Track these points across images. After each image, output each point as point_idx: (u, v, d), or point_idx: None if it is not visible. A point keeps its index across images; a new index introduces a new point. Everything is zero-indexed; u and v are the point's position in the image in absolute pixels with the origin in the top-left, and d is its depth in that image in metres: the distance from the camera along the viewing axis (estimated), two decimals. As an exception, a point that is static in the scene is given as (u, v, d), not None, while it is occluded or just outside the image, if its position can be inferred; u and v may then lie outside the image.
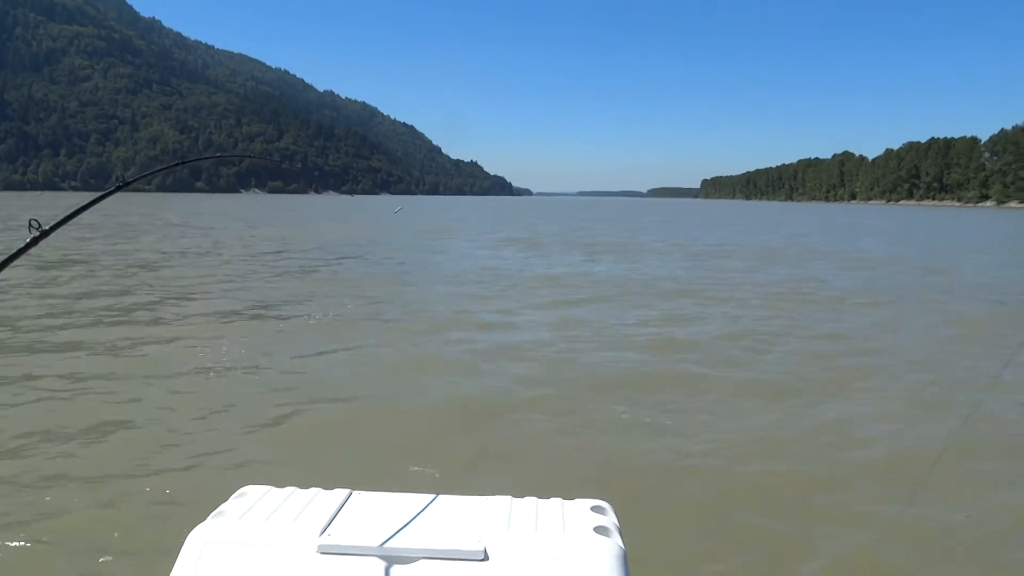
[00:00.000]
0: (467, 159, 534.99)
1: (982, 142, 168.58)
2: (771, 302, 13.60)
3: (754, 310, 12.72)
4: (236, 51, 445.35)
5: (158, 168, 2.71)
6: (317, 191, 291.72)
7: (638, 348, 9.38)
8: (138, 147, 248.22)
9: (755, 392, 7.30)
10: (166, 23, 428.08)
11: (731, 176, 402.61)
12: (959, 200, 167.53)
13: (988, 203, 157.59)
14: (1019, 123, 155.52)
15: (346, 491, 1.81)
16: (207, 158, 3.49)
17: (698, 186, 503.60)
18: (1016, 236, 42.47)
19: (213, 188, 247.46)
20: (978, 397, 6.81)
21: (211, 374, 7.60)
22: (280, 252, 23.26)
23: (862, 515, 4.52)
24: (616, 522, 1.66)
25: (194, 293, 13.55)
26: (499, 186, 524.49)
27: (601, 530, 1.56)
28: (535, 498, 1.76)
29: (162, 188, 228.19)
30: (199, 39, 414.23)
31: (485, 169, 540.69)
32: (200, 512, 1.70)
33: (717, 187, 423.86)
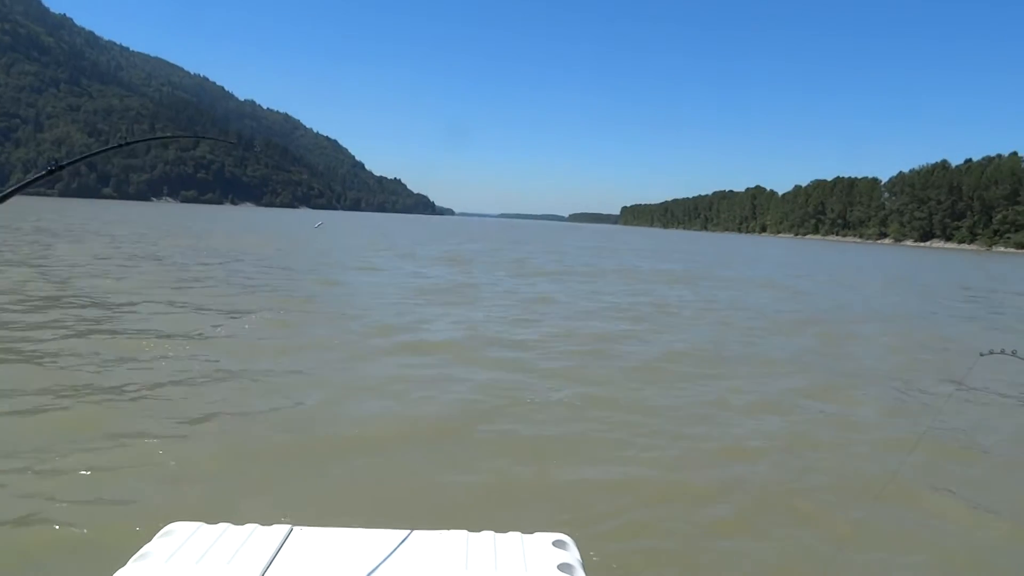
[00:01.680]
0: (391, 176, 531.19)
1: (882, 183, 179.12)
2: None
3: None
4: (153, 54, 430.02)
5: (99, 151, 2.43)
6: (234, 202, 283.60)
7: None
8: (41, 148, 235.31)
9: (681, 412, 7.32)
10: (78, 21, 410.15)
11: (650, 204, 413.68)
12: (860, 236, 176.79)
13: (887, 240, 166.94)
14: (915, 167, 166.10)
15: (286, 527, 1.66)
16: (152, 139, 3.13)
17: (618, 212, 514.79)
18: (872, 266, 45.17)
19: (122, 195, 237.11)
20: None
21: (128, 397, 7.08)
22: (212, 264, 22.33)
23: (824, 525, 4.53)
24: (579, 558, 1.57)
25: (113, 309, 12.77)
26: (422, 205, 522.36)
27: (565, 568, 1.47)
28: (492, 532, 1.65)
29: (65, 193, 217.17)
30: (113, 39, 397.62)
31: (409, 187, 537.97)
32: (121, 555, 1.56)
33: (636, 215, 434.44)
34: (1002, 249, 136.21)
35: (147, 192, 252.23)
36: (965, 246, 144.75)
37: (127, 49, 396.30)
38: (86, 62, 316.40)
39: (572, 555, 1.56)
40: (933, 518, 5.38)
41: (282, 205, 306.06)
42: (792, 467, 6.33)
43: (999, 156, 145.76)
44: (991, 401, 8.89)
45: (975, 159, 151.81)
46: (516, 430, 6.95)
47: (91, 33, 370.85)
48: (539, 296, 19.07)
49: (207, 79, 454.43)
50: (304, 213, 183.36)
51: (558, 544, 1.60)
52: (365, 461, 5.92)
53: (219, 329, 11.47)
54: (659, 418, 7.56)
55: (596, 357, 10.78)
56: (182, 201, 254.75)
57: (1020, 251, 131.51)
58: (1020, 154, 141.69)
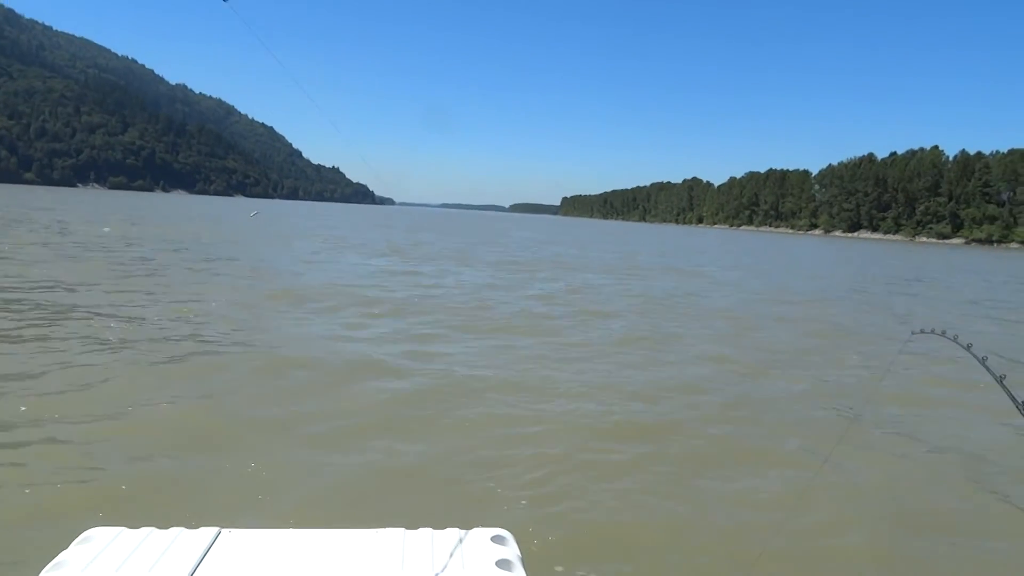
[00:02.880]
0: (328, 164, 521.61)
1: (813, 175, 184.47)
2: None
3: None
4: (78, 35, 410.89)
5: None
6: (165, 189, 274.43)
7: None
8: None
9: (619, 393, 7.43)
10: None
11: (589, 195, 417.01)
12: (792, 227, 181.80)
13: (817, 231, 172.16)
14: (843, 160, 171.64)
15: (214, 529, 1.60)
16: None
17: (558, 203, 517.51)
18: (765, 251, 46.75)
19: (45, 180, 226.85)
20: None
21: (40, 390, 6.77)
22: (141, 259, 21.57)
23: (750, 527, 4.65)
24: (518, 553, 1.55)
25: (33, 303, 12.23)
26: (361, 194, 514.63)
27: (503, 564, 1.46)
28: (430, 529, 1.62)
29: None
30: (35, 18, 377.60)
31: (347, 176, 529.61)
32: (34, 564, 1.48)
33: (576, 205, 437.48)
34: (924, 239, 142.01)
35: (72, 178, 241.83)
36: (890, 236, 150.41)
37: (50, 28, 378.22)
38: (5, 41, 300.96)
39: (511, 550, 1.54)
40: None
41: (216, 193, 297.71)
42: (728, 438, 6.49)
43: (921, 149, 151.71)
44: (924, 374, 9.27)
45: (900, 152, 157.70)
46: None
47: (11, 11, 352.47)
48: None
49: (136, 62, 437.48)
50: (239, 201, 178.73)
51: (496, 539, 1.58)
52: (302, 455, 5.78)
53: (205, 320, 11.12)
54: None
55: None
56: (110, 188, 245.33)
57: (941, 241, 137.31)
58: (940, 148, 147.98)
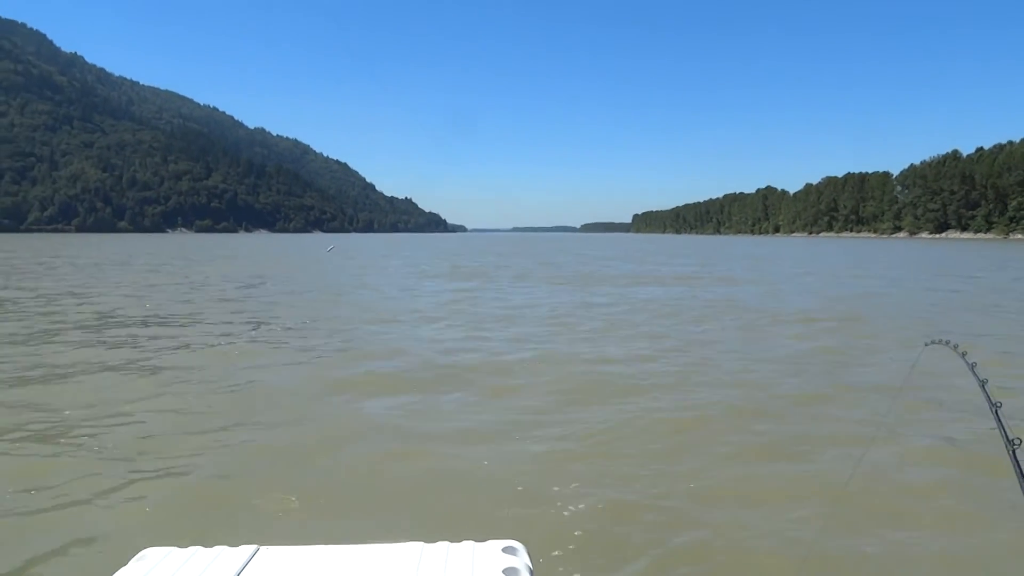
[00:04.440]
0: (401, 196, 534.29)
1: (894, 176, 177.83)
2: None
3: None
4: (163, 87, 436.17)
5: None
6: (248, 230, 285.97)
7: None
8: (57, 186, 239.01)
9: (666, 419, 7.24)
10: (89, 59, 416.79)
11: (661, 211, 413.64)
12: (875, 231, 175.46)
13: (901, 234, 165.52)
14: (926, 159, 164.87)
15: (252, 547, 1.74)
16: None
17: (629, 220, 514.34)
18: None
19: (137, 228, 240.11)
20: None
21: (92, 428, 7.11)
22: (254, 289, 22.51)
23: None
24: (528, 563, 1.64)
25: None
26: (434, 223, 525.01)
27: (510, 572, 1.54)
28: (447, 542, 1.72)
29: (82, 228, 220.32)
30: (123, 75, 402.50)
31: (420, 206, 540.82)
32: None
33: (648, 221, 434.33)
34: (1020, 236, 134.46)
35: (162, 224, 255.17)
36: (982, 235, 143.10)
37: (137, 83, 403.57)
38: (98, 98, 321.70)
39: (521, 560, 1.62)
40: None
41: (295, 230, 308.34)
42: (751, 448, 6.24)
43: (1010, 143, 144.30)
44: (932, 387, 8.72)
45: (986, 147, 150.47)
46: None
47: (102, 70, 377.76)
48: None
49: (217, 109, 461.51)
50: (317, 237, 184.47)
51: (508, 550, 1.66)
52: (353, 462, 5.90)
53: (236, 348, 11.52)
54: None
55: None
56: (197, 231, 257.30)
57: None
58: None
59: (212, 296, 20.97)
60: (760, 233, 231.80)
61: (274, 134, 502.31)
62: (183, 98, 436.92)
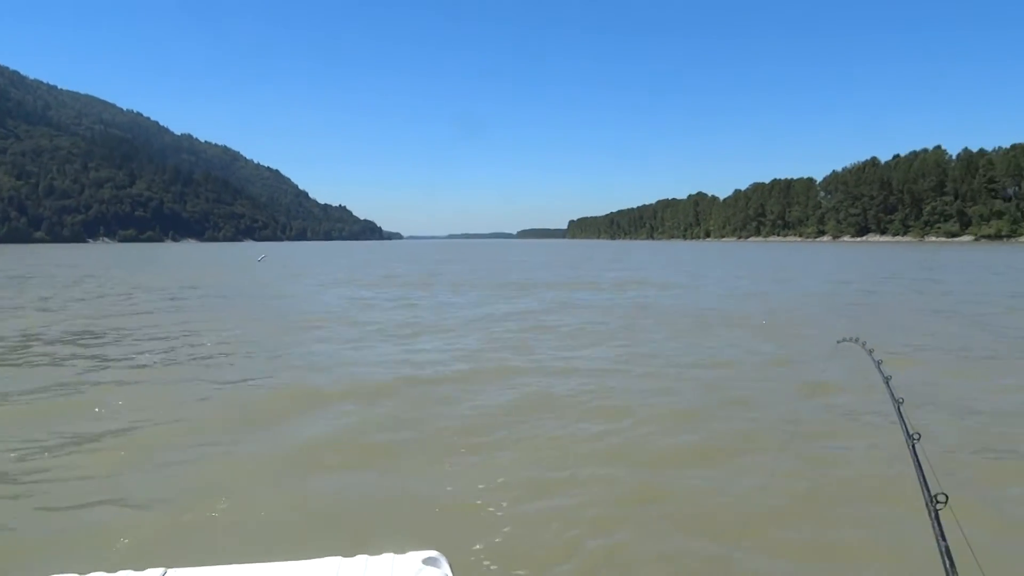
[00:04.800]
0: (335, 203, 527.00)
1: (817, 182, 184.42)
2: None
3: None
4: (82, 92, 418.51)
5: None
6: (175, 239, 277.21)
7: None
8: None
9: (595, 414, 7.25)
10: (1, 60, 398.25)
11: (596, 217, 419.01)
12: (800, 236, 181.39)
13: (825, 238, 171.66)
14: (847, 165, 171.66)
15: (159, 570, 1.67)
16: None
17: (565, 227, 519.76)
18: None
19: (55, 238, 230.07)
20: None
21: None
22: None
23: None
24: (449, 573, 1.62)
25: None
26: (369, 230, 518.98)
27: None
28: (365, 556, 1.68)
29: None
30: (39, 79, 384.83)
31: (354, 213, 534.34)
32: None
33: (583, 227, 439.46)
34: (933, 239, 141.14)
35: (83, 234, 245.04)
36: (899, 238, 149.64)
37: (55, 88, 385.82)
38: (11, 103, 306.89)
39: (442, 571, 1.59)
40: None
41: (225, 239, 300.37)
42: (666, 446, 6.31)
43: (924, 150, 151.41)
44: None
45: (902, 154, 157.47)
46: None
47: (15, 73, 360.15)
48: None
49: (141, 114, 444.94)
50: (248, 246, 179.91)
51: (429, 561, 1.62)
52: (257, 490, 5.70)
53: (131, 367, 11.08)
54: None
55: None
56: (120, 241, 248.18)
57: (951, 240, 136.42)
58: (943, 147, 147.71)
59: (122, 310, 20.21)
60: (692, 238, 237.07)
61: (202, 140, 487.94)
62: (104, 103, 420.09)
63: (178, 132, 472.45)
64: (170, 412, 8.12)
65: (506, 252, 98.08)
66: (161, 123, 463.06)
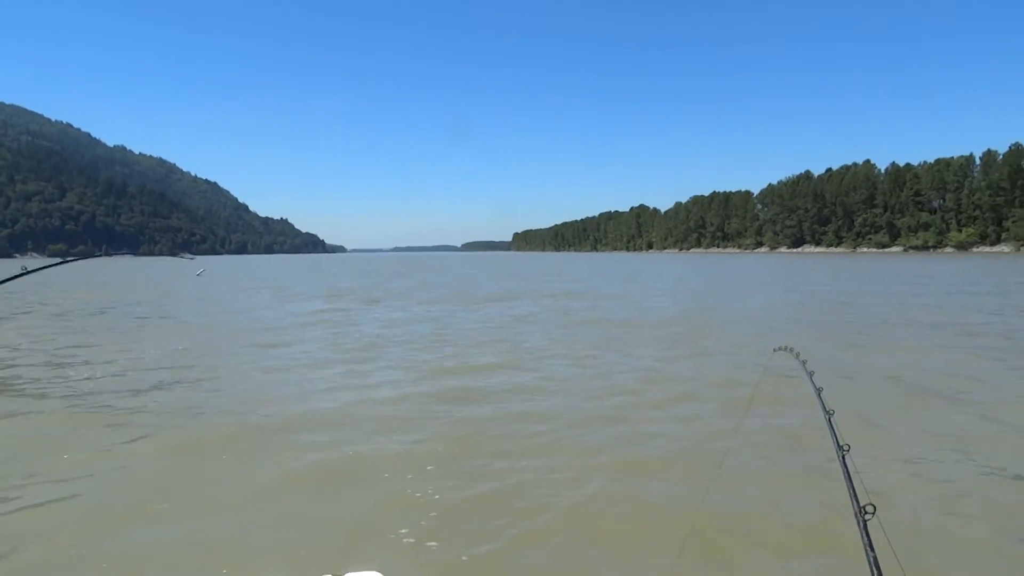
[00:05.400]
0: (277, 216, 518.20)
1: (754, 195, 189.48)
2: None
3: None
4: (7, 102, 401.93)
5: None
6: (108, 254, 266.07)
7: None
8: None
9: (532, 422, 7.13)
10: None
11: (540, 229, 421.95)
12: (739, 247, 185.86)
13: (763, 249, 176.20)
14: (783, 178, 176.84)
15: None
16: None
17: (510, 239, 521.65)
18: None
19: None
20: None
21: None
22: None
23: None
24: None
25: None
26: (312, 243, 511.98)
27: None
28: None
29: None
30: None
31: (296, 226, 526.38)
32: None
33: (528, 240, 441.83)
34: (865, 250, 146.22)
35: (9, 248, 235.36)
36: (833, 249, 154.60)
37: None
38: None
39: None
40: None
41: (162, 253, 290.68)
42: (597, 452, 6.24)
43: (855, 164, 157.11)
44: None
45: (835, 168, 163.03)
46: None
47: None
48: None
49: (71, 125, 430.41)
50: (187, 260, 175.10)
51: None
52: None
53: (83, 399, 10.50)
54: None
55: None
56: (49, 256, 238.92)
57: (881, 251, 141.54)
58: (872, 161, 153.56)
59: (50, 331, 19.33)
60: (635, 250, 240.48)
61: (136, 152, 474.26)
62: (31, 113, 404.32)
63: (111, 144, 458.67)
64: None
65: (456, 265, 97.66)
66: (93, 134, 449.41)
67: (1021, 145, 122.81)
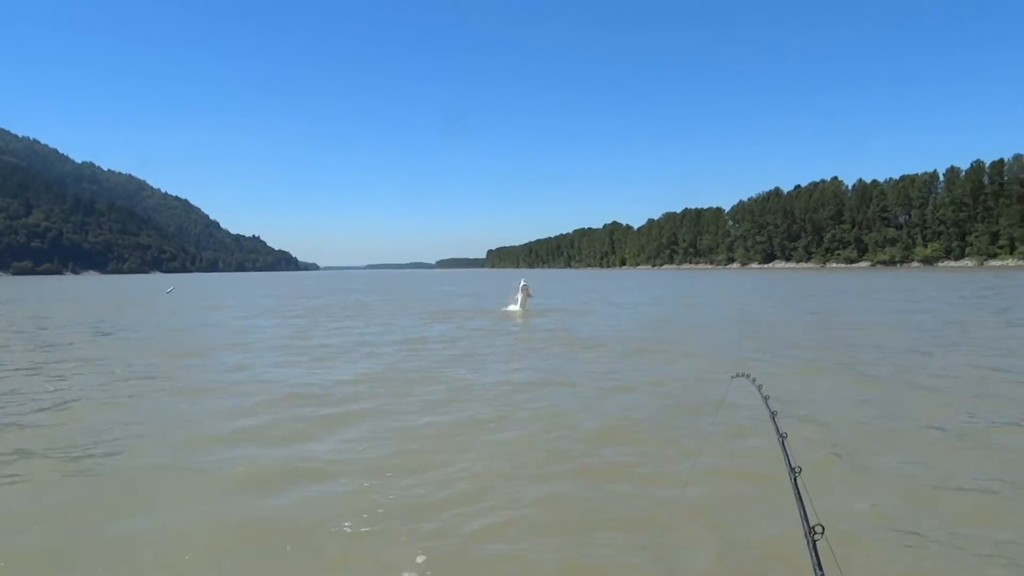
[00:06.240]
0: (249, 234, 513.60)
1: (725, 211, 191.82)
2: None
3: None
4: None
5: None
6: (75, 271, 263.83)
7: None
8: None
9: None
10: None
11: (515, 246, 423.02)
12: (711, 263, 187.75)
13: (734, 264, 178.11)
14: (753, 195, 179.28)
15: None
16: None
17: (484, 256, 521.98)
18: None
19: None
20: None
21: None
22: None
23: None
24: None
25: None
26: (284, 261, 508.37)
27: None
28: None
29: None
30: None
31: (269, 244, 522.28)
32: None
33: (502, 257, 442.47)
34: (834, 265, 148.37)
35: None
36: (803, 264, 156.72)
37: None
38: None
39: None
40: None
41: (131, 271, 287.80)
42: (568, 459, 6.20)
43: (823, 180, 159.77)
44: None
45: (803, 184, 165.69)
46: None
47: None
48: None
49: (38, 141, 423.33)
50: (155, 278, 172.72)
51: None
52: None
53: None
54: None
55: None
56: (14, 273, 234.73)
57: (849, 266, 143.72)
58: (840, 178, 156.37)
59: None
60: (608, 266, 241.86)
61: (105, 169, 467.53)
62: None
63: (79, 160, 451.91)
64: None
65: (433, 282, 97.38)
66: (60, 151, 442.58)
67: (982, 162, 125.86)
